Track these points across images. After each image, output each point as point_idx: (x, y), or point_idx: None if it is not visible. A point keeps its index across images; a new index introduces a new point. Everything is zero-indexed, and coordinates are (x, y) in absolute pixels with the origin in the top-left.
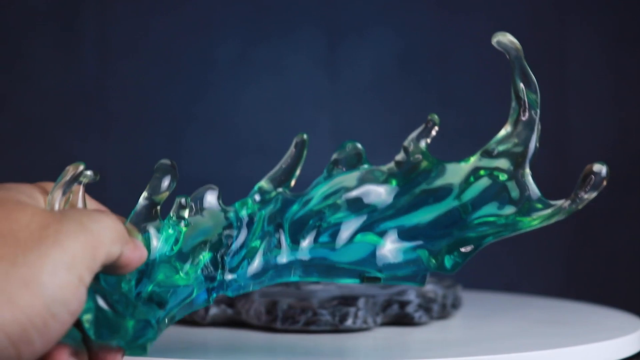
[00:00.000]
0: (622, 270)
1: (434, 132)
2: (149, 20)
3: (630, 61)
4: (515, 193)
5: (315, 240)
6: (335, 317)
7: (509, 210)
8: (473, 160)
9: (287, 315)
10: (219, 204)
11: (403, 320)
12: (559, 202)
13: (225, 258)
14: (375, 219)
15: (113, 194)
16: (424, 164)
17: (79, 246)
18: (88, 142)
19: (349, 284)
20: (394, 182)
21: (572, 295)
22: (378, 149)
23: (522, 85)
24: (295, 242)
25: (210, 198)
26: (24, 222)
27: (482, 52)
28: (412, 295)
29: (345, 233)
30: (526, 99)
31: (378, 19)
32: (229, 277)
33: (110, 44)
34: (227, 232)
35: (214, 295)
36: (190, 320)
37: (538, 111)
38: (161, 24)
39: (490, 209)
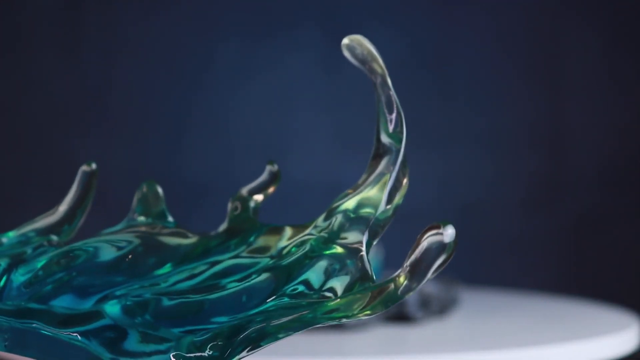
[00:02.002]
0: (621, 269)
1: (272, 190)
2: (149, 20)
3: (629, 62)
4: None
5: (48, 300)
6: None
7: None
8: (306, 229)
9: None
10: None
11: (402, 317)
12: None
13: None
14: (130, 286)
15: (113, 194)
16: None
17: None
18: (89, 141)
19: None
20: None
21: (571, 292)
22: None
23: (387, 117)
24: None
25: None
26: None
27: (482, 52)
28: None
29: (88, 298)
30: (387, 139)
31: (378, 19)
32: None
33: (111, 46)
34: None
35: None
36: None
37: (400, 158)
38: (161, 24)
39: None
